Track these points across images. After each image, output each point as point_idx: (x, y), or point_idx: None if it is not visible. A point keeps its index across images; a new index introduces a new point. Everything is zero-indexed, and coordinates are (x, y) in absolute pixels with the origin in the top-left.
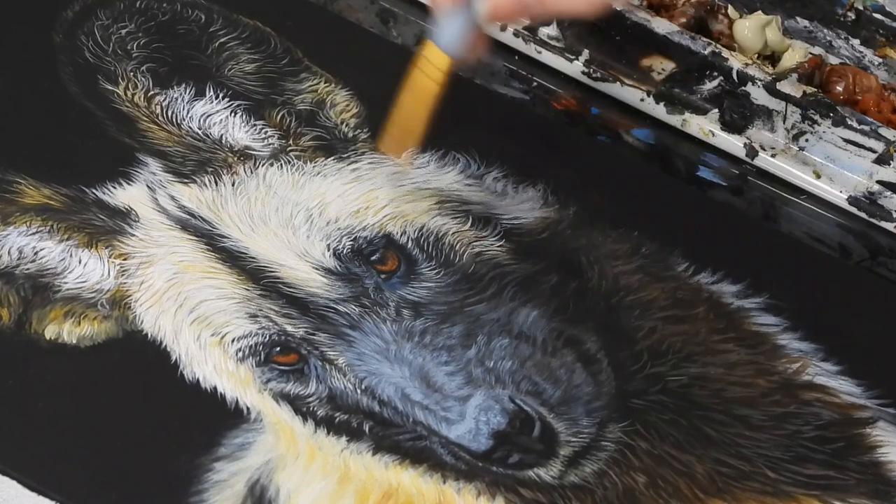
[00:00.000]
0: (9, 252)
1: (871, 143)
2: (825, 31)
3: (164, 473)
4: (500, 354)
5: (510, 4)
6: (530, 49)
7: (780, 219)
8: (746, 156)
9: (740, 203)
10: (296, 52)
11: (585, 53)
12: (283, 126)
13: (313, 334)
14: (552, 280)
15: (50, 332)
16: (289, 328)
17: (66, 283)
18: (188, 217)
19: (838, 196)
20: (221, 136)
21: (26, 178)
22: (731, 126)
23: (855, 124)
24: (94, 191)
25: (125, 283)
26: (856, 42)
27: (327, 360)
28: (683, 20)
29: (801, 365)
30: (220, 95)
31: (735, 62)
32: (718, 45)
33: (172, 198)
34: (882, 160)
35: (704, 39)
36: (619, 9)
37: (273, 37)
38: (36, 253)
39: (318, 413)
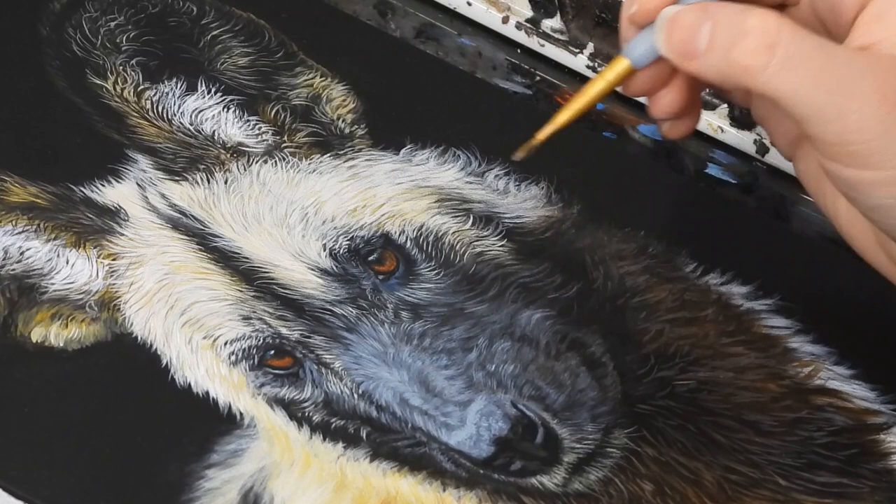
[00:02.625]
0: None
1: None
2: None
3: (155, 481)
4: (501, 358)
5: (681, 34)
6: (533, 42)
7: (791, 218)
8: (756, 152)
9: (750, 201)
10: (291, 46)
11: (590, 46)
12: (277, 122)
13: (309, 337)
14: (556, 281)
15: (36, 335)
16: (283, 331)
17: (53, 284)
18: (179, 216)
19: None
20: (214, 132)
21: (12, 175)
22: (740, 122)
23: None
24: (82, 189)
25: (114, 284)
26: None
27: (323, 364)
28: None
29: (814, 369)
30: (213, 90)
31: None
32: None
33: (163, 196)
34: None
35: None
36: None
37: (267, 30)
38: (22, 253)
39: (314, 419)
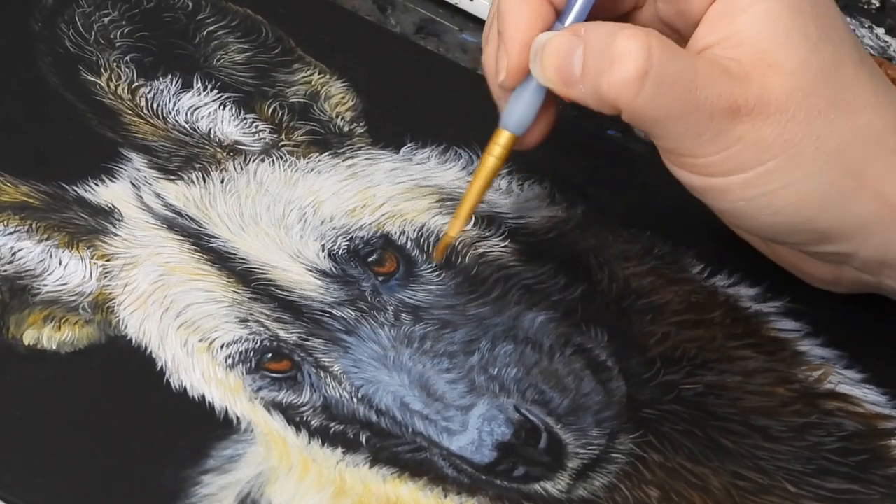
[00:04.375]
0: None
1: None
2: (848, 19)
3: (150, 487)
4: (504, 361)
5: (556, 70)
6: None
7: None
8: None
9: None
10: (288, 42)
11: None
12: (274, 120)
13: (307, 340)
14: (559, 283)
15: (28, 338)
16: (281, 333)
17: (45, 285)
18: (175, 216)
19: None
20: (210, 130)
21: (3, 174)
22: None
23: None
24: (75, 188)
25: (108, 285)
26: (881, 31)
27: (322, 368)
28: None
29: (823, 373)
30: (209, 87)
31: None
32: None
33: (158, 195)
34: None
35: None
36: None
37: (264, 25)
38: (14, 254)
39: (312, 423)
